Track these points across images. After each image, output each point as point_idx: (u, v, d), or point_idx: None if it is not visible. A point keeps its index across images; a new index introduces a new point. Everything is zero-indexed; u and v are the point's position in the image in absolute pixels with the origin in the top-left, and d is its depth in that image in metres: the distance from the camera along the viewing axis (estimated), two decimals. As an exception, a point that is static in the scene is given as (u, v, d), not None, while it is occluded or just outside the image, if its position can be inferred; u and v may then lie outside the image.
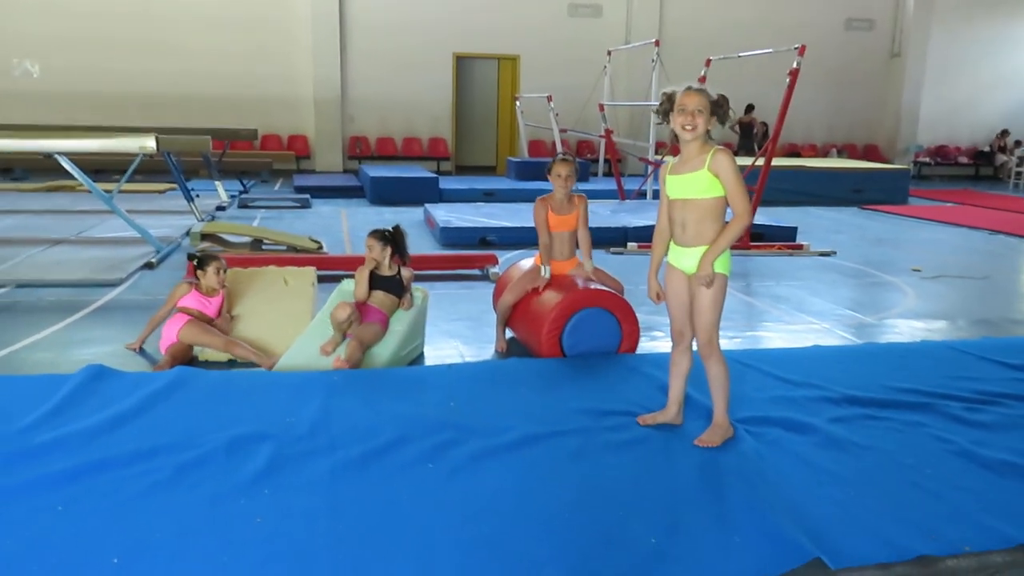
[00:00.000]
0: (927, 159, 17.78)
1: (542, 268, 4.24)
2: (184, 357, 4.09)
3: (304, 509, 2.32)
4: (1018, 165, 16.20)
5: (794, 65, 7.72)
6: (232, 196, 10.76)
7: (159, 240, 7.09)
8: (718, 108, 2.79)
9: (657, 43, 10.88)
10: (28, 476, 2.46)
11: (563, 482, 2.55)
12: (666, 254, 3.03)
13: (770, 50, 8.79)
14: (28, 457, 2.60)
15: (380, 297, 4.16)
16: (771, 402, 3.25)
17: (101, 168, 11.06)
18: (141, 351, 4.34)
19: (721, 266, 2.86)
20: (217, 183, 10.50)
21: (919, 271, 7.21)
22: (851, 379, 3.55)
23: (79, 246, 7.19)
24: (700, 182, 2.80)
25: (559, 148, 10.36)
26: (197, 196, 9.22)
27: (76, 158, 6.81)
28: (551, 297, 4.00)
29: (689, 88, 2.81)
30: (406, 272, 4.30)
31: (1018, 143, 17.50)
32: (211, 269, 4.31)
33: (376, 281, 4.18)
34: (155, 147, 6.73)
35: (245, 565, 2.03)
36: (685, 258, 2.91)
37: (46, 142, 6.67)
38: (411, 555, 2.10)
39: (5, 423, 2.84)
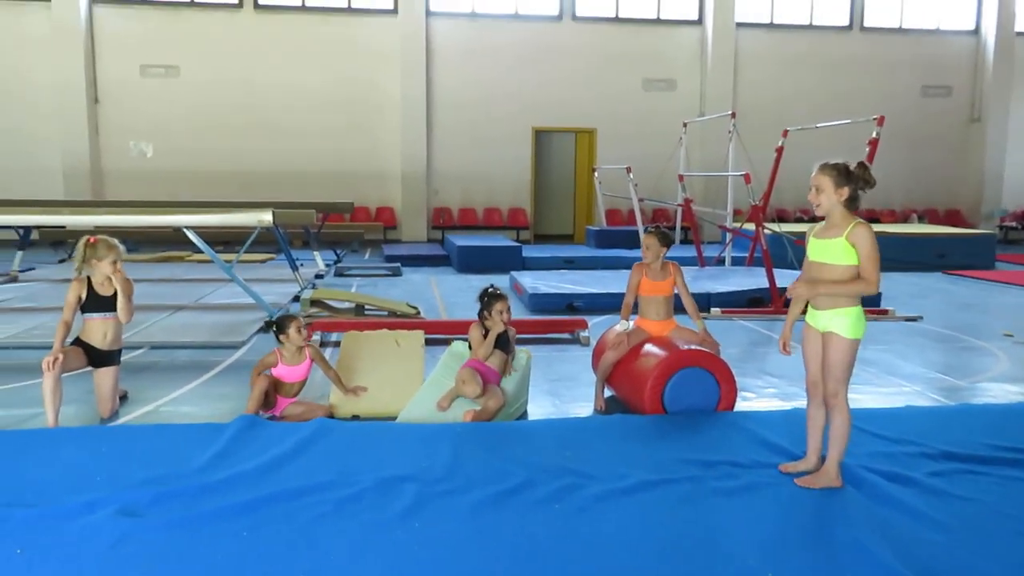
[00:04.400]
0: (1014, 223, 17.48)
1: (621, 324, 4.58)
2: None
3: (454, 540, 2.64)
4: (1111, 228, 15.81)
5: (873, 135, 7.94)
6: (328, 265, 11.43)
7: (270, 305, 7.65)
8: (848, 179, 3.07)
9: (733, 115, 11.25)
10: (213, 507, 2.85)
11: (680, 522, 2.80)
12: (803, 314, 3.28)
13: (848, 120, 9.03)
14: (208, 492, 2.99)
15: (494, 357, 4.49)
16: (869, 456, 3.42)
17: (208, 240, 11.88)
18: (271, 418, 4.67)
19: (854, 331, 3.10)
20: (315, 253, 11.20)
21: (1011, 336, 7.18)
22: (947, 437, 3.70)
23: (199, 311, 7.82)
24: (837, 249, 3.07)
25: (639, 218, 10.72)
26: (301, 265, 9.87)
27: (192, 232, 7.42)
28: (653, 357, 4.29)
29: (819, 165, 3.12)
30: (511, 330, 4.64)
31: (1109, 206, 17.08)
32: (292, 329, 4.48)
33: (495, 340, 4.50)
34: (272, 221, 7.36)
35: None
36: (819, 318, 3.17)
37: (175, 217, 7.36)
38: (553, 580, 2.38)
39: (183, 463, 3.27)
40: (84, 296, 4.32)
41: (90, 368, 4.44)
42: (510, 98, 15.78)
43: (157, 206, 10.82)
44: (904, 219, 17.01)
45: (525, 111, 15.90)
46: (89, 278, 4.36)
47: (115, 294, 4.38)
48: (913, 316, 8.12)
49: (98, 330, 4.37)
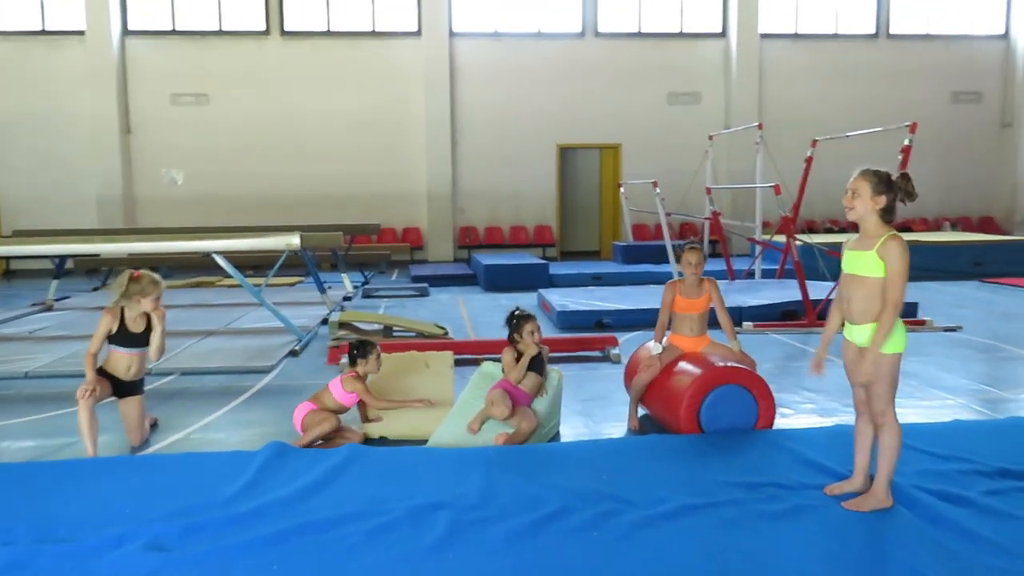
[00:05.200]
0: (1050, 229, 17.08)
1: (653, 344, 4.50)
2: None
3: (488, 571, 2.55)
4: None
5: (905, 142, 7.77)
6: (356, 286, 11.44)
7: (299, 329, 7.64)
8: (888, 188, 2.96)
9: (760, 126, 11.11)
10: (241, 539, 2.79)
11: (725, 550, 2.69)
12: (841, 328, 3.17)
13: (879, 128, 8.87)
14: (237, 523, 2.94)
15: (527, 379, 4.40)
16: (920, 475, 3.28)
17: (238, 264, 11.96)
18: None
19: (893, 345, 2.97)
20: (343, 275, 11.22)
21: (1056, 345, 6.97)
22: (1000, 452, 3.54)
23: (229, 336, 7.83)
24: (868, 261, 2.96)
25: (666, 233, 10.57)
26: (329, 288, 9.89)
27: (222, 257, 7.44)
28: (688, 375, 4.18)
29: (860, 170, 3.01)
30: (545, 348, 4.55)
31: None
32: (373, 356, 4.50)
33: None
34: (299, 244, 7.37)
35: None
36: (856, 333, 3.05)
37: (204, 243, 7.39)
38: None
39: (211, 494, 3.22)
40: (115, 329, 4.26)
41: (114, 398, 4.40)
42: (534, 116, 15.78)
43: (187, 232, 10.92)
44: (937, 228, 16.69)
45: (549, 128, 15.88)
46: (123, 312, 4.28)
47: (145, 331, 4.31)
48: (952, 326, 7.90)
49: (123, 363, 4.32)
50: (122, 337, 4.27)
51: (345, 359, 6.47)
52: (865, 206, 2.97)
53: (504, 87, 15.73)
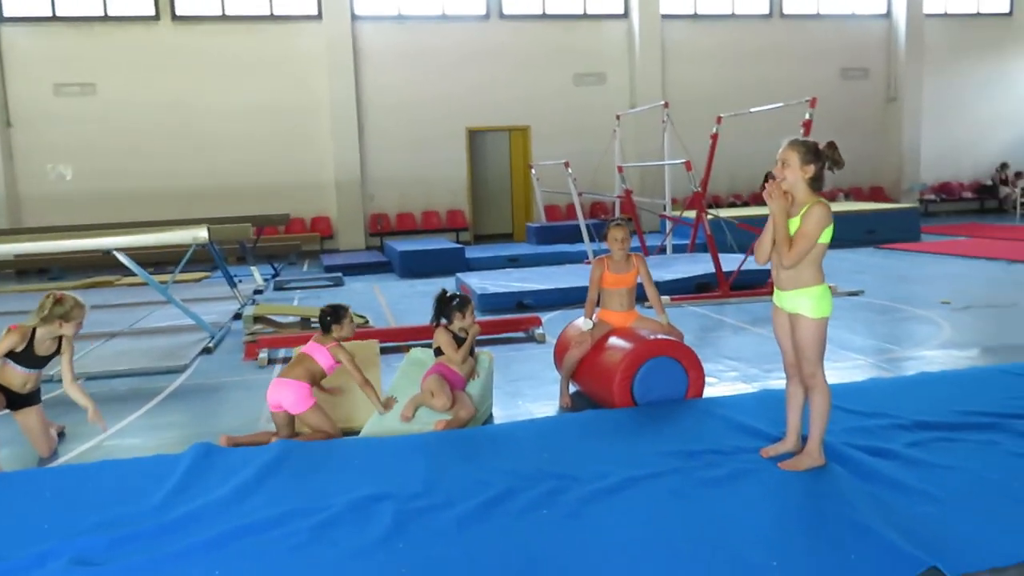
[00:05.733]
0: (932, 196, 18.17)
1: (583, 321, 4.53)
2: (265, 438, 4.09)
3: (442, 558, 2.50)
4: (1022, 196, 16.55)
5: (807, 116, 8.08)
6: (266, 279, 11.08)
7: (210, 325, 7.33)
8: (816, 157, 3.04)
9: (666, 104, 11.33)
10: (177, 547, 2.64)
11: (673, 518, 2.72)
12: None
13: (780, 104, 9.18)
14: (170, 531, 2.78)
15: (465, 363, 4.35)
16: (847, 432, 3.42)
17: (138, 262, 11.38)
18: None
19: (819, 310, 3.08)
20: (253, 268, 10.84)
21: (948, 303, 7.40)
22: (915, 406, 3.74)
23: (135, 337, 7.44)
24: (794, 227, 3.04)
25: (579, 212, 10.69)
26: (240, 282, 9.53)
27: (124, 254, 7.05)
28: (619, 349, 4.22)
29: (789, 141, 3.09)
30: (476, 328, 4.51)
31: (1019, 174, 17.91)
32: (347, 320, 4.25)
33: (459, 342, 4.37)
34: (207, 237, 7.05)
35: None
36: (784, 299, 3.13)
37: (105, 239, 6.97)
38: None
39: (137, 502, 3.03)
40: (19, 349, 3.94)
41: (7, 411, 4.09)
42: (442, 99, 15.61)
43: (80, 230, 10.30)
44: (832, 198, 17.47)
45: (458, 112, 15.73)
46: (34, 331, 3.97)
47: (53, 355, 4.06)
48: (855, 291, 8.29)
49: (19, 379, 4.03)
50: (25, 357, 3.98)
51: (264, 353, 6.29)
52: (795, 175, 3.05)
53: (410, 71, 15.48)
